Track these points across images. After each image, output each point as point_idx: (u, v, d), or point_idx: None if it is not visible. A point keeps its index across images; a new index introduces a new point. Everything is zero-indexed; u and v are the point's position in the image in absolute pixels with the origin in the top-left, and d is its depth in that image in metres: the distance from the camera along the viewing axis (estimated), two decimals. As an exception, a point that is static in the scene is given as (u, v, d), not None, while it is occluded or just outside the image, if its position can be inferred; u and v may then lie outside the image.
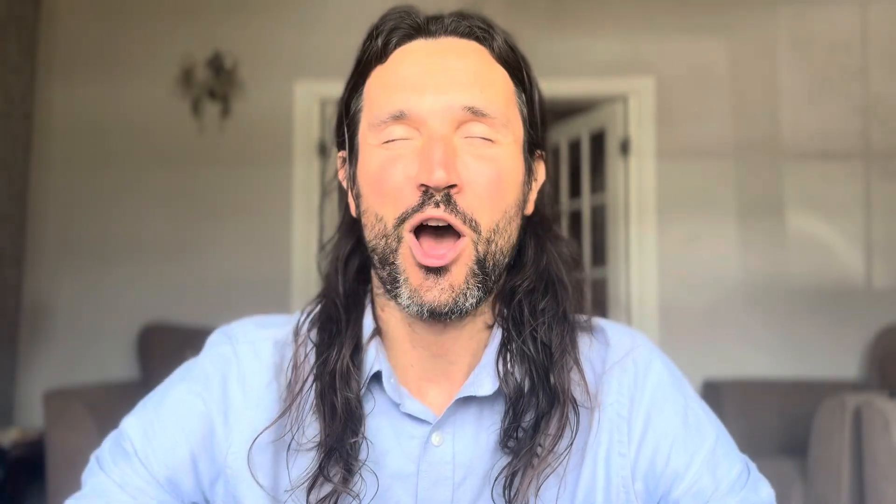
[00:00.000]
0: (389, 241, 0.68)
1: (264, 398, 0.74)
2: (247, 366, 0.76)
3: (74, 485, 0.75)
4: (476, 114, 0.68)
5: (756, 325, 3.19)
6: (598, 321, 0.79)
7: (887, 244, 3.22)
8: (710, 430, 0.74)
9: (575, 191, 3.64)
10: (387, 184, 0.67)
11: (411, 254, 0.67)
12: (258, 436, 0.71)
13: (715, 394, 2.95)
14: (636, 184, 3.26)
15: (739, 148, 3.27)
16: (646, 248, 3.24)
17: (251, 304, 3.17)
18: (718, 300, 3.21)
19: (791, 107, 3.27)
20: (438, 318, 0.68)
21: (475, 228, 0.67)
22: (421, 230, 0.67)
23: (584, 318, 0.78)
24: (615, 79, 3.31)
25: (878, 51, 3.27)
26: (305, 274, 3.18)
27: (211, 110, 3.30)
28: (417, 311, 0.67)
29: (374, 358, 0.73)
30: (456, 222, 0.66)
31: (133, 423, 0.74)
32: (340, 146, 0.76)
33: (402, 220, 0.67)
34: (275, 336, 0.78)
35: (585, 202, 3.55)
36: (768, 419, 2.84)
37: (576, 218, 3.63)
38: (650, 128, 3.26)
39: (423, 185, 0.66)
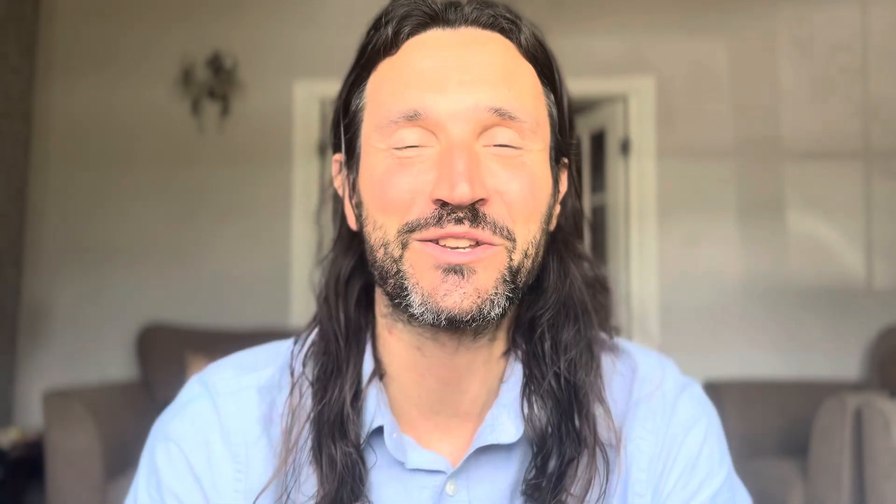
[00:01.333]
0: (391, 249, 0.59)
1: (254, 457, 0.65)
2: (231, 424, 0.66)
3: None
4: (503, 116, 0.58)
5: (756, 325, 3.19)
6: (622, 343, 0.72)
7: (888, 244, 3.21)
8: (722, 468, 0.68)
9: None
10: (392, 194, 0.58)
11: (423, 254, 0.57)
12: (255, 500, 0.63)
13: (715, 394, 2.92)
14: (636, 184, 3.25)
15: (740, 148, 3.26)
16: (646, 248, 3.24)
17: (251, 304, 3.18)
18: (719, 300, 3.21)
19: (791, 107, 3.27)
20: (457, 328, 0.58)
21: (510, 237, 0.58)
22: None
23: (605, 336, 0.70)
24: (615, 79, 3.30)
25: (878, 51, 3.27)
26: (305, 274, 3.17)
27: (210, 110, 3.30)
28: (433, 319, 0.57)
29: (374, 408, 0.64)
30: (483, 236, 0.57)
31: None
32: (337, 148, 0.67)
33: (409, 230, 0.58)
34: (258, 382, 0.68)
35: (585, 202, 3.54)
36: (769, 419, 2.84)
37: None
38: (650, 128, 3.26)
39: (440, 199, 0.56)
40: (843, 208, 3.23)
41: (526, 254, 0.59)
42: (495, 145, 0.59)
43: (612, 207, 3.35)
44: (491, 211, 0.57)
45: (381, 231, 0.59)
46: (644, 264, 3.24)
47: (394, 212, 0.58)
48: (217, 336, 2.98)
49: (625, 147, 3.28)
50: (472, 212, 0.56)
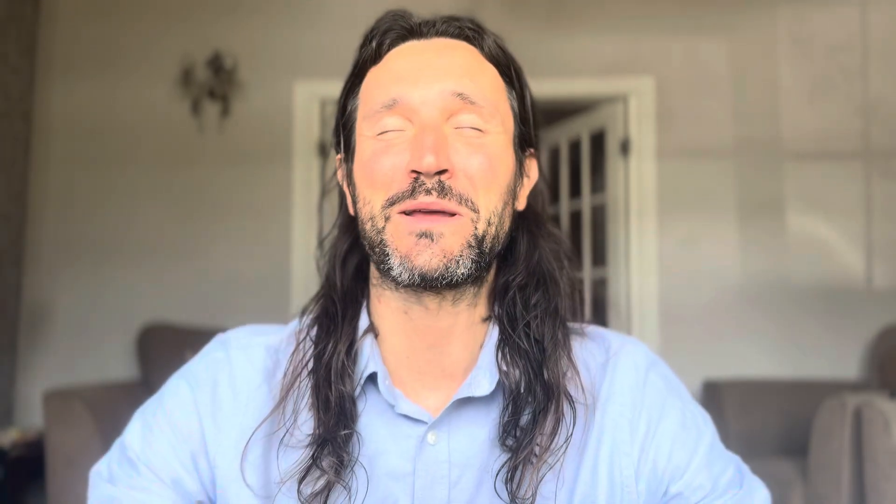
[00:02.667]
0: (376, 221, 0.69)
1: (254, 400, 0.74)
2: (238, 370, 0.76)
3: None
4: (465, 100, 0.69)
5: (756, 325, 3.19)
6: (590, 327, 0.81)
7: (887, 244, 3.21)
8: (707, 431, 0.76)
9: (575, 191, 3.64)
10: (377, 171, 0.69)
11: (400, 225, 0.67)
12: (252, 434, 0.72)
13: (715, 394, 2.95)
14: (636, 184, 3.25)
15: (739, 148, 3.26)
16: (646, 248, 3.24)
17: (251, 303, 3.18)
18: (718, 300, 3.21)
19: (791, 107, 3.27)
20: (430, 284, 0.67)
21: (473, 208, 0.68)
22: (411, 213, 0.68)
23: (576, 325, 0.79)
24: (615, 79, 3.31)
25: (878, 51, 3.27)
26: (305, 273, 3.18)
27: (211, 110, 3.30)
28: (409, 277, 0.67)
29: (368, 357, 0.73)
30: (450, 206, 0.67)
31: (133, 432, 0.77)
32: (338, 149, 0.78)
33: (391, 203, 0.68)
34: (267, 342, 0.79)
35: (585, 202, 3.55)
36: (768, 419, 2.84)
37: (576, 218, 3.63)
38: (650, 128, 3.26)
39: (414, 171, 0.66)
40: (842, 208, 3.24)
41: (489, 222, 0.69)
42: (460, 127, 0.69)
43: (612, 207, 3.35)
44: (455, 184, 0.67)
45: (370, 206, 0.69)
46: (643, 264, 3.24)
47: (379, 187, 0.69)
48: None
49: (624, 147, 3.28)
50: (440, 185, 0.66)
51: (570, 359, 0.73)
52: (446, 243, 0.67)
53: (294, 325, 0.81)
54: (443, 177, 0.67)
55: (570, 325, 0.78)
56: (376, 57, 0.74)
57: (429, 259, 0.66)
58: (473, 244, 0.68)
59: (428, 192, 0.66)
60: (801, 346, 3.16)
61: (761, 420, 2.84)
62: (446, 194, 0.67)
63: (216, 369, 0.77)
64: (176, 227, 3.28)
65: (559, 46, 3.25)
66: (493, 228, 0.69)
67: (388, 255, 0.68)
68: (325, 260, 0.82)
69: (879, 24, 3.28)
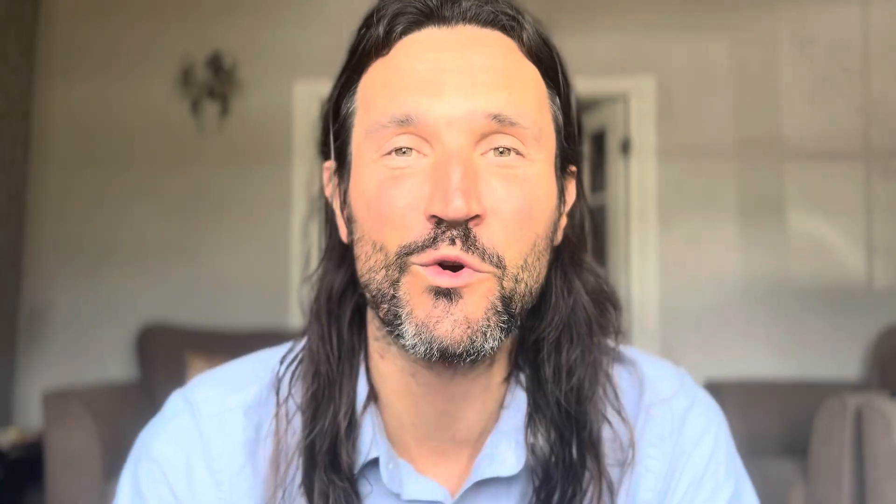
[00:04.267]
0: (391, 271, 0.54)
1: (239, 487, 0.61)
2: (215, 448, 0.62)
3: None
4: (503, 123, 0.54)
5: (757, 325, 3.18)
6: (628, 351, 0.68)
7: (888, 244, 3.21)
8: (731, 476, 0.66)
9: (575, 191, 3.63)
10: (388, 210, 0.54)
11: (419, 279, 0.54)
12: None
13: (716, 394, 2.90)
14: (637, 184, 3.25)
15: (740, 148, 3.26)
16: (646, 248, 3.24)
17: (251, 304, 3.18)
18: (719, 300, 3.20)
19: (792, 107, 3.27)
20: (450, 360, 0.54)
21: (499, 265, 0.54)
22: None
23: (610, 344, 0.66)
24: (616, 78, 3.30)
25: (879, 51, 3.27)
26: (305, 274, 3.17)
27: (210, 110, 3.29)
28: (426, 350, 0.53)
29: (370, 438, 0.61)
30: (474, 262, 0.53)
31: None
32: (327, 156, 0.63)
33: (407, 253, 0.54)
34: (245, 401, 0.64)
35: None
36: (769, 420, 2.83)
37: (576, 218, 3.62)
38: (651, 127, 3.26)
39: (434, 216, 0.52)
40: (843, 208, 3.23)
41: (517, 279, 0.55)
42: (494, 149, 0.55)
43: (613, 207, 3.35)
44: (483, 233, 0.53)
45: (382, 254, 0.55)
46: (644, 264, 3.23)
47: (391, 231, 0.54)
48: (217, 336, 2.98)
49: (625, 147, 3.28)
50: (465, 234, 0.53)
51: (610, 423, 0.63)
52: (468, 307, 0.53)
53: (275, 372, 0.65)
54: (472, 223, 0.53)
55: (604, 342, 0.66)
56: (383, 46, 0.57)
57: (451, 329, 0.53)
58: (500, 308, 0.54)
59: (452, 241, 0.52)
60: (802, 347, 3.16)
61: (762, 420, 2.83)
62: (470, 248, 0.53)
63: (187, 446, 0.62)
64: (175, 227, 3.27)
65: (559, 46, 3.23)
66: (523, 285, 0.55)
67: (400, 319, 0.54)
68: (313, 296, 0.66)
69: (880, 24, 3.28)
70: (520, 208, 0.54)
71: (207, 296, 3.21)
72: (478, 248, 0.53)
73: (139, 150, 3.31)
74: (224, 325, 3.09)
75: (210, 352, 2.72)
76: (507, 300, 0.55)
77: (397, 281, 0.54)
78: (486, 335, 0.54)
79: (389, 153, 0.55)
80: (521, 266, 0.55)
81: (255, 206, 3.28)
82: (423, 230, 0.53)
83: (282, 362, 0.64)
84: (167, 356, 2.89)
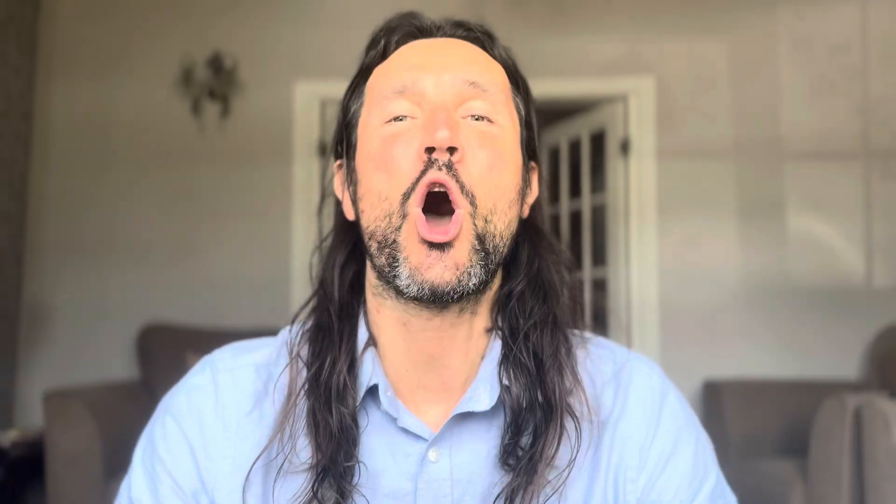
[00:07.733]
0: (394, 218, 0.65)
1: (244, 428, 0.71)
2: (226, 396, 0.73)
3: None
4: (477, 87, 0.68)
5: (756, 325, 3.19)
6: (591, 335, 0.78)
7: (887, 244, 3.21)
8: (713, 469, 0.74)
9: (575, 191, 3.64)
10: (390, 157, 0.66)
11: (415, 230, 0.64)
12: (251, 468, 0.68)
13: (715, 394, 2.95)
14: (636, 184, 3.25)
15: (740, 148, 3.26)
16: (646, 248, 3.24)
17: (251, 303, 3.18)
18: (718, 300, 3.21)
19: (791, 107, 3.27)
20: (440, 298, 0.64)
21: (472, 202, 0.65)
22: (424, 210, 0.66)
23: (577, 332, 0.76)
24: (615, 79, 3.31)
25: (878, 51, 3.27)
26: (305, 273, 3.15)
27: (211, 110, 3.30)
28: (418, 290, 0.64)
29: (370, 370, 0.70)
30: (455, 188, 0.64)
31: (139, 486, 0.72)
32: (338, 155, 0.75)
33: (407, 195, 0.64)
34: (255, 360, 0.75)
35: (585, 202, 3.55)
36: (769, 419, 2.84)
37: (576, 218, 3.63)
38: (650, 128, 3.26)
39: (427, 148, 0.64)
40: (842, 208, 3.24)
41: (486, 220, 0.65)
42: (471, 116, 0.67)
43: (612, 207, 3.35)
44: (462, 169, 0.65)
45: (387, 203, 0.65)
46: (644, 264, 3.24)
47: (391, 178, 0.65)
48: (217, 336, 2.96)
49: (625, 147, 3.28)
50: (449, 164, 0.64)
51: (573, 372, 0.71)
52: (456, 253, 0.64)
53: (284, 335, 0.77)
54: (453, 157, 0.64)
55: (572, 333, 0.75)
56: (382, 57, 0.72)
57: (441, 272, 0.63)
58: (479, 247, 0.65)
59: (439, 168, 0.64)
60: (802, 346, 3.16)
61: (761, 420, 2.84)
62: (454, 176, 0.64)
63: (200, 398, 0.73)
64: (176, 226, 3.28)
65: (559, 46, 3.25)
66: (491, 226, 0.66)
67: (397, 260, 0.65)
68: (319, 267, 0.79)
69: (879, 25, 3.28)
70: (490, 156, 0.66)
71: (208, 296, 3.22)
72: (458, 182, 0.64)
73: (139, 150, 3.31)
74: (224, 324, 3.10)
75: (210, 352, 2.72)
76: (480, 238, 0.65)
77: (398, 228, 0.65)
78: (469, 274, 0.64)
79: (389, 121, 0.68)
80: (491, 210, 0.66)
81: (255, 206, 3.28)
82: (416, 168, 0.64)
83: (292, 323, 0.77)
84: (167, 356, 2.89)
